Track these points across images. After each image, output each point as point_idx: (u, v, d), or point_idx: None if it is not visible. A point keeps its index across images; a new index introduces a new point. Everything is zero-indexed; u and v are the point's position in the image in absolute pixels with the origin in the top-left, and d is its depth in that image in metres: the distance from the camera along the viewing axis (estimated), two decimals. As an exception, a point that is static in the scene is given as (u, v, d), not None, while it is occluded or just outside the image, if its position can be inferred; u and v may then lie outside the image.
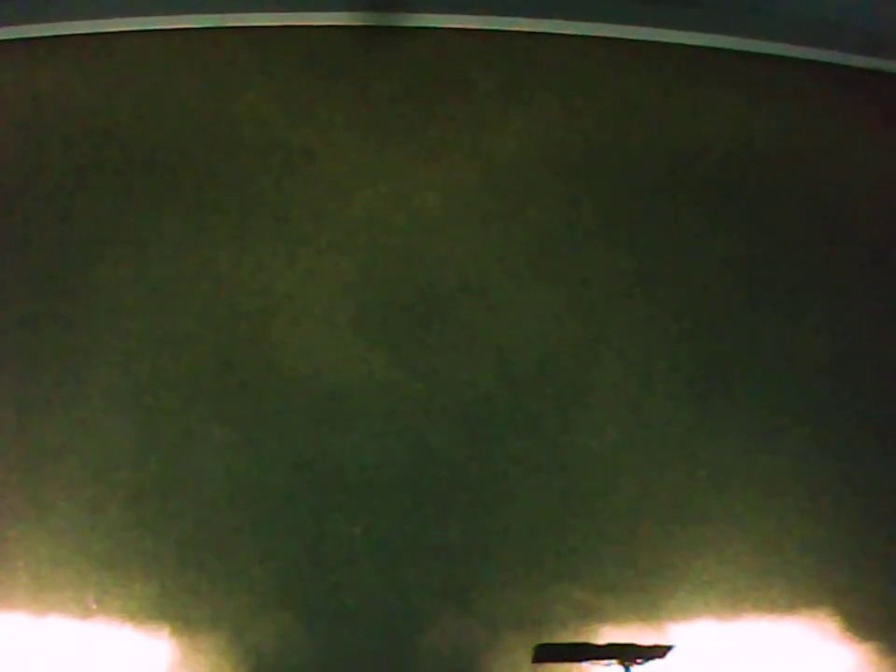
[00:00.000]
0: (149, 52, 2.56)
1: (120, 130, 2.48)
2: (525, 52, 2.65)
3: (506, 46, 2.65)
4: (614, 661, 2.01)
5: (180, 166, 2.44)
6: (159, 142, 2.46)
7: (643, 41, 2.69)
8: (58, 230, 2.37)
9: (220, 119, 2.50)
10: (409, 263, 2.42)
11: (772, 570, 2.25)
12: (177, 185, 2.43)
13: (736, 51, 2.72)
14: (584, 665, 2.04)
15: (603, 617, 2.16)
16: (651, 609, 2.19)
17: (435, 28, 2.63)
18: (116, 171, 2.44)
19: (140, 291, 2.32)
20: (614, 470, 2.28)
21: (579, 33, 2.69)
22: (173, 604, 2.10)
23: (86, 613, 2.08)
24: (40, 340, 2.27)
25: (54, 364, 2.25)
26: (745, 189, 2.60)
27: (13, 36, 2.52)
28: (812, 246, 2.56)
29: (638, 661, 2.02)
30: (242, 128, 2.50)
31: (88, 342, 2.28)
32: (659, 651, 2.03)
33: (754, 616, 2.22)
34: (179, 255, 2.36)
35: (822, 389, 2.42)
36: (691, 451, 2.32)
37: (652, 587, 2.20)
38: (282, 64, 2.57)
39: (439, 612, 2.14)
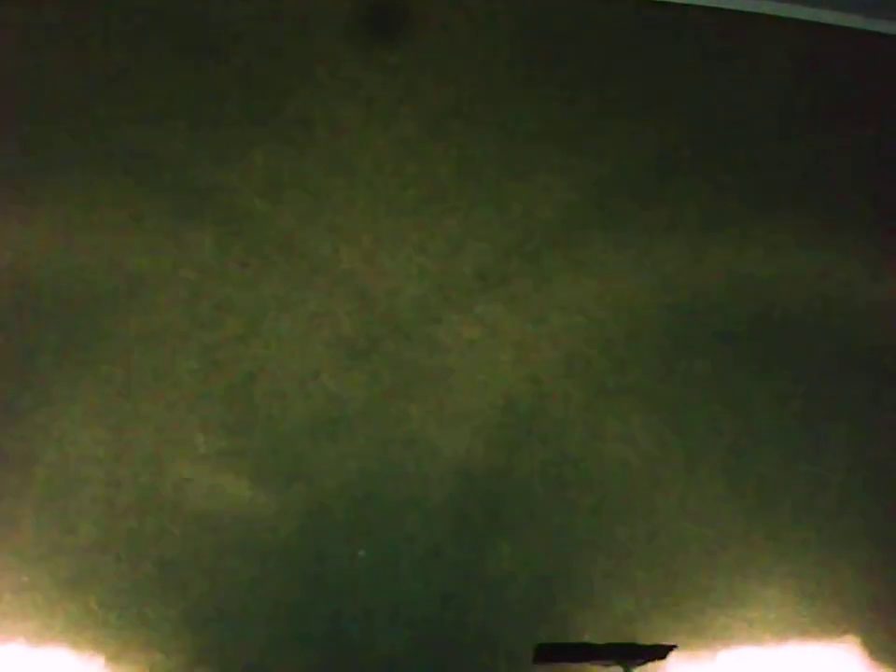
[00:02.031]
0: (126, 10, 2.33)
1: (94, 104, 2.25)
2: (544, 16, 2.43)
3: (526, 5, 2.43)
4: (615, 661, 1.97)
5: (158, 138, 2.23)
6: (134, 113, 2.23)
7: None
8: (21, 214, 2.14)
9: (203, 84, 2.29)
10: (418, 248, 2.21)
11: (823, 594, 2.10)
12: (156, 161, 2.21)
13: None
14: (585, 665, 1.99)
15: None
16: (689, 638, 2.04)
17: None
18: (84, 147, 2.22)
19: (113, 282, 2.10)
20: (650, 484, 2.09)
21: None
22: (152, 634, 1.92)
23: (55, 642, 1.91)
24: (-2, 337, 2.09)
25: (16, 365, 2.04)
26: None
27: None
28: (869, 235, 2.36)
29: (640, 661, 1.98)
30: (228, 94, 2.29)
31: (54, 339, 2.06)
32: (660, 652, 1.98)
33: (803, 643, 2.08)
34: (158, 240, 2.15)
35: (882, 396, 2.22)
36: (734, 462, 2.13)
37: (691, 614, 2.05)
38: (274, 23, 2.36)
39: (453, 644, 1.98)
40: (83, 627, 1.91)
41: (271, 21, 2.36)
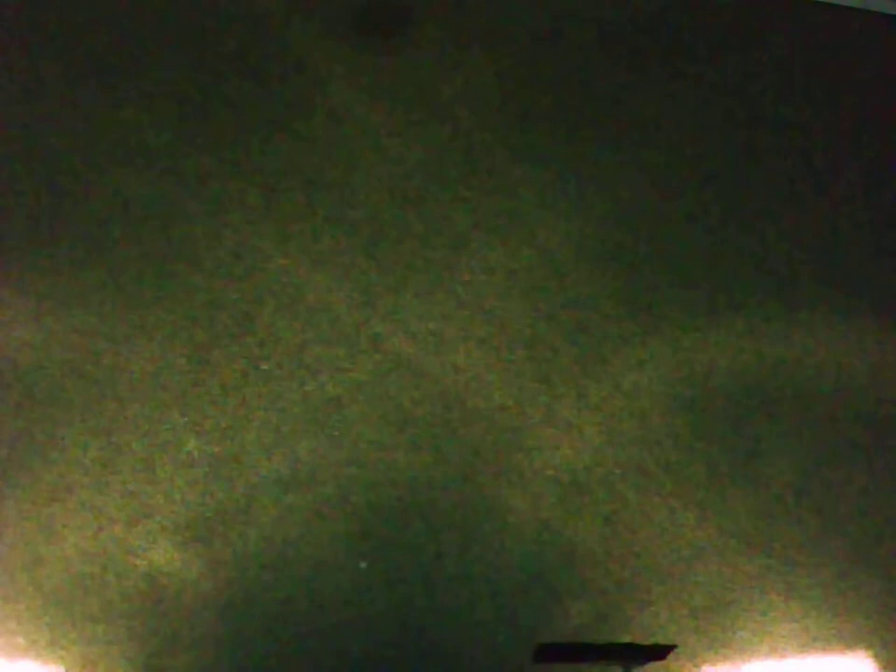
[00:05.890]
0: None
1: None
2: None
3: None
4: (615, 661, 1.97)
5: (147, 123, 2.11)
6: (124, 98, 2.11)
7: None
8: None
9: (196, 69, 2.16)
10: (424, 241, 2.08)
11: (848, 606, 1.99)
12: (144, 146, 2.09)
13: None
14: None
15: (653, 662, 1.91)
16: (708, 653, 1.92)
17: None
18: (71, 133, 2.10)
19: (98, 276, 1.98)
20: (668, 492, 1.96)
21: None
22: (142, 651, 1.82)
23: (40, 657, 1.80)
24: (-26, 335, 1.95)
25: (-7, 364, 1.93)
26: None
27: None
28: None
29: (639, 661, 1.97)
30: (222, 80, 2.16)
31: (35, 337, 1.94)
32: (660, 652, 1.97)
33: (826, 657, 1.97)
34: (146, 231, 2.02)
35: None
36: (756, 468, 2.01)
37: (710, 628, 1.93)
38: (270, 4, 2.23)
39: (460, 659, 1.86)
40: (69, 642, 1.81)
41: (266, 2, 2.24)
